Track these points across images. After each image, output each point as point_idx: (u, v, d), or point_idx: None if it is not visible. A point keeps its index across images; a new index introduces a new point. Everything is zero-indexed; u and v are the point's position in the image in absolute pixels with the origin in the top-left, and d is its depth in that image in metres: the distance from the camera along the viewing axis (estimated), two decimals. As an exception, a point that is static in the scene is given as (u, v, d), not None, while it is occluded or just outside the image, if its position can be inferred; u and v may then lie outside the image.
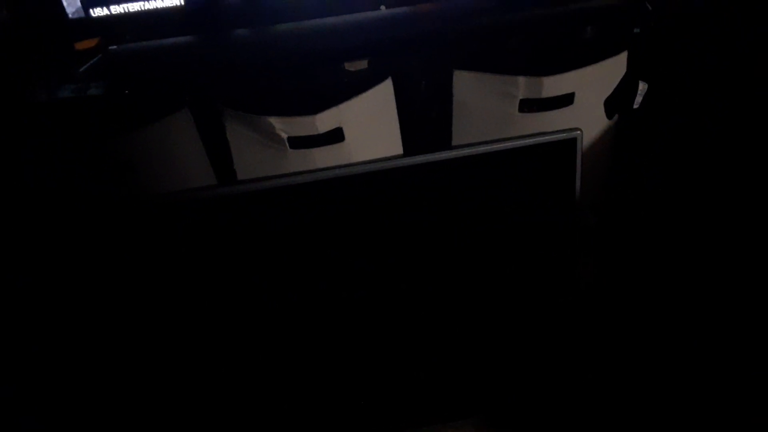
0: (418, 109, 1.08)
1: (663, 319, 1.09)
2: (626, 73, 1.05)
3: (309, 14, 1.04)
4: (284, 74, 0.99)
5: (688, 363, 1.01)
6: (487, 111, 1.06)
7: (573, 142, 1.03)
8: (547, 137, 1.04)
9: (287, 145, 1.00)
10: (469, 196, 1.10)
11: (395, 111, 1.06)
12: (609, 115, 1.10)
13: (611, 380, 1.01)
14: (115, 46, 1.00)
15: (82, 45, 1.03)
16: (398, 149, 1.11)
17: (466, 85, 1.04)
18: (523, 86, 1.01)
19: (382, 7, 1.08)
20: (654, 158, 1.19)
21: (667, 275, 1.14)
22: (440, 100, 1.07)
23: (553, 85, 1.02)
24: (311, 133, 0.99)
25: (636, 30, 1.03)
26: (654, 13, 1.03)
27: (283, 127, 0.98)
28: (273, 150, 1.01)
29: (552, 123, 1.06)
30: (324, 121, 0.99)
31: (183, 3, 1.02)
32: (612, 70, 1.05)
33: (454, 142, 1.10)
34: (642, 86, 1.08)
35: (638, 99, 1.09)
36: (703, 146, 1.11)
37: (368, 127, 1.04)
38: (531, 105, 1.05)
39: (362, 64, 1.00)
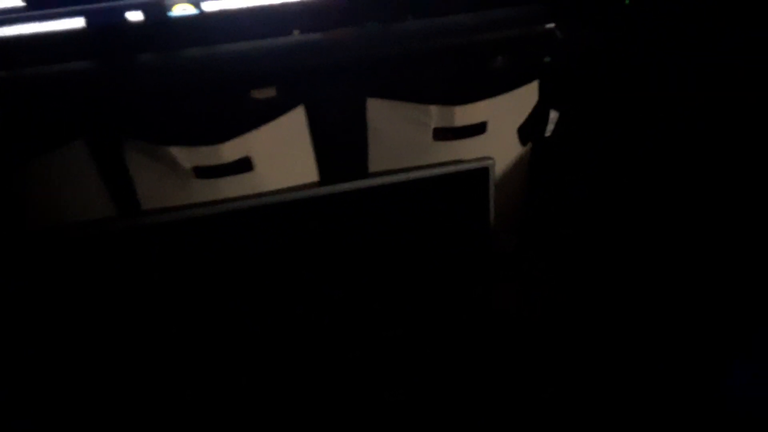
0: (333, 137, 1.06)
1: (587, 335, 1.10)
2: (538, 101, 1.06)
3: (218, 39, 1.01)
4: (187, 102, 0.95)
5: (620, 382, 1.02)
6: (402, 139, 1.05)
7: (485, 170, 1.04)
8: (460, 166, 1.04)
9: (192, 174, 0.96)
10: (386, 224, 1.09)
11: (308, 139, 1.04)
12: (523, 142, 1.11)
13: (541, 402, 1.02)
14: (2, 72, 0.94)
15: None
16: (314, 176, 1.08)
17: (380, 113, 1.03)
18: (435, 115, 1.01)
19: (296, 32, 1.06)
20: (578, 177, 1.21)
21: (589, 291, 1.16)
22: (355, 128, 1.05)
23: (466, 114, 1.02)
24: (217, 163, 0.96)
25: (546, 59, 1.05)
26: (564, 42, 1.04)
27: (186, 157, 0.94)
28: (177, 180, 0.97)
29: (466, 150, 1.06)
30: (230, 151, 0.95)
31: (85, 26, 0.97)
32: (524, 98, 1.05)
33: (371, 169, 1.09)
34: (553, 114, 1.09)
35: (550, 127, 1.10)
36: (627, 162, 1.13)
37: (279, 155, 1.01)
38: (445, 133, 1.04)
39: (271, 92, 0.97)
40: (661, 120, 1.08)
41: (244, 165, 0.98)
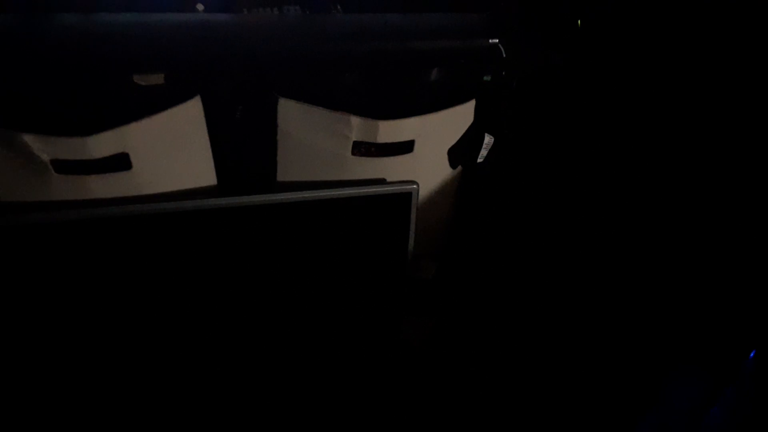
0: (236, 137, 0.90)
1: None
2: (472, 123, 0.95)
3: (99, 5, 0.82)
4: (50, 80, 0.76)
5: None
6: (317, 148, 0.91)
7: (408, 196, 0.92)
8: (380, 188, 0.92)
9: (51, 169, 0.78)
10: (293, 244, 0.95)
11: (205, 137, 0.88)
12: (452, 165, 0.99)
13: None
14: None
15: None
16: (211, 180, 0.93)
17: (293, 116, 0.88)
18: (356, 127, 0.87)
19: (200, 6, 0.89)
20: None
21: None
22: (263, 129, 0.90)
23: (391, 130, 0.89)
24: (82, 158, 0.78)
25: (486, 78, 0.93)
26: (507, 60, 0.93)
27: (43, 147, 0.76)
28: (33, 174, 0.79)
29: (389, 169, 0.93)
30: (101, 145, 0.78)
31: None
32: (457, 119, 0.94)
33: (279, 178, 0.94)
34: (488, 139, 0.99)
35: (483, 152, 1.00)
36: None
37: (167, 154, 0.84)
38: (365, 148, 0.91)
39: (159, 79, 0.80)
40: (610, 153, 1.00)
41: (119, 162, 0.81)
